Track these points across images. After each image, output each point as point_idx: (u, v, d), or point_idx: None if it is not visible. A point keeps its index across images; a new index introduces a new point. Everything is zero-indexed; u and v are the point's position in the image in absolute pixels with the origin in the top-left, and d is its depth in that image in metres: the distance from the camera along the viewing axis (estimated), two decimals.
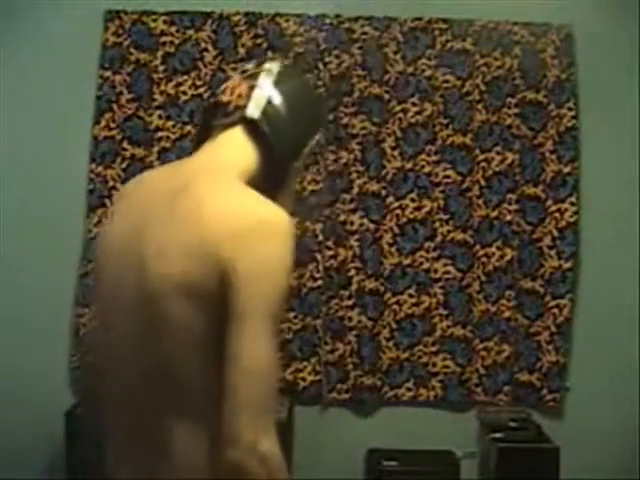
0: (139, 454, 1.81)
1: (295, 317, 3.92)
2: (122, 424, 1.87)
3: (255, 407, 1.66)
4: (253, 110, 1.92)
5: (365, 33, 3.90)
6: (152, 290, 1.74)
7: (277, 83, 1.97)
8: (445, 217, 3.95)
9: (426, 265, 3.95)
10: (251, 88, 1.94)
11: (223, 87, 1.99)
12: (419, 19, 3.89)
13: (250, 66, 2.03)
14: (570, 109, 3.90)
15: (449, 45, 3.90)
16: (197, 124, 2.35)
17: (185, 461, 1.75)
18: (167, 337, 1.73)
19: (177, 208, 1.77)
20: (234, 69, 3.86)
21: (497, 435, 3.74)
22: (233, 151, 1.91)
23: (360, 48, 3.91)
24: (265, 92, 1.94)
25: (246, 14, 3.88)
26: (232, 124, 1.92)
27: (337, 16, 3.91)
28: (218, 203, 1.76)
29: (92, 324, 2.04)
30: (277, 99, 1.95)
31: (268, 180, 1.92)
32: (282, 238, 1.75)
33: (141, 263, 1.77)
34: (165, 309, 1.72)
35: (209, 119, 1.98)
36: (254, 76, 1.97)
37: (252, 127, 1.92)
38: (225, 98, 1.96)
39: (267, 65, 2.01)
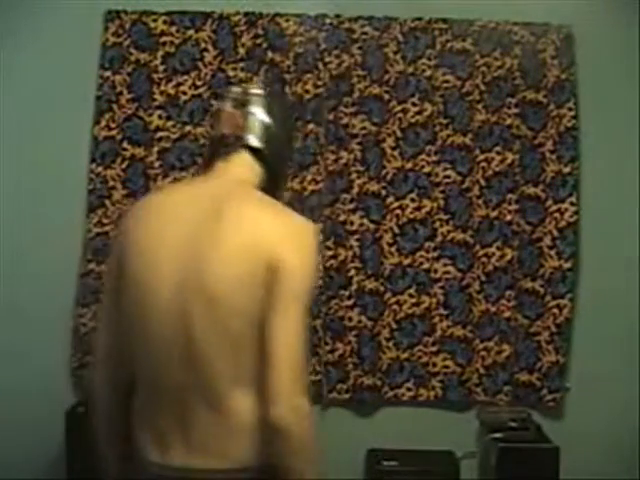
0: (197, 421, 2.17)
1: None
2: (171, 397, 2.20)
3: (294, 372, 2.11)
4: (253, 140, 2.39)
5: (365, 33, 3.90)
6: (215, 285, 2.14)
7: (265, 107, 2.42)
8: (445, 217, 3.95)
9: (426, 265, 3.95)
10: (245, 117, 2.40)
11: (222, 119, 2.41)
12: (419, 19, 3.89)
13: (236, 91, 2.46)
14: (570, 109, 3.90)
15: (449, 45, 3.90)
16: (205, 151, 2.73)
17: (240, 420, 2.17)
18: (227, 319, 2.14)
19: (224, 220, 2.20)
20: (234, 69, 3.88)
21: (497, 435, 3.74)
22: (244, 170, 2.38)
23: (360, 48, 3.91)
24: (258, 119, 2.41)
25: (246, 14, 3.88)
26: (237, 150, 2.38)
27: (337, 16, 3.91)
28: (263, 215, 2.26)
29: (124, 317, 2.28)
30: (268, 123, 2.42)
31: (269, 186, 2.41)
32: (314, 242, 2.26)
33: (200, 265, 2.16)
34: (227, 299, 2.14)
35: (215, 147, 2.41)
36: (245, 103, 2.41)
37: (254, 151, 2.39)
38: (226, 131, 2.39)
39: (253, 91, 2.45)
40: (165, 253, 2.20)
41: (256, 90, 2.47)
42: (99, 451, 2.65)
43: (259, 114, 2.41)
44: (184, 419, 2.20)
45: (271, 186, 2.42)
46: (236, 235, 2.18)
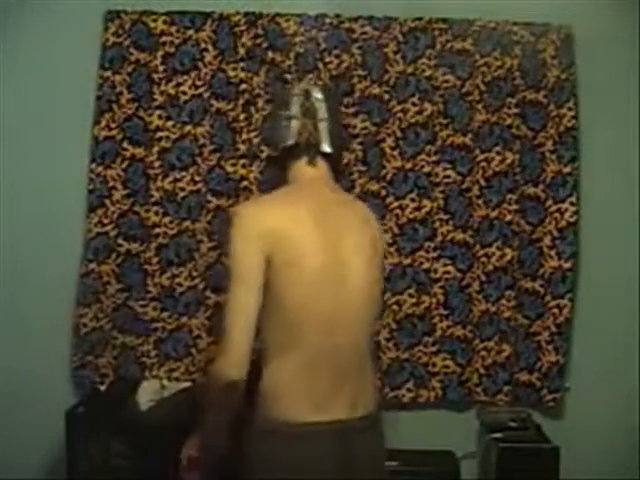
0: (348, 379, 2.66)
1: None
2: (330, 361, 2.63)
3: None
4: (326, 147, 2.80)
5: (365, 33, 3.90)
6: (359, 265, 2.69)
7: (328, 111, 2.81)
8: (445, 217, 3.94)
9: (426, 265, 3.95)
10: (317, 126, 2.78)
11: (295, 129, 2.79)
12: (419, 19, 3.89)
13: (299, 95, 2.82)
14: (570, 109, 3.90)
15: (449, 45, 3.90)
16: (276, 155, 2.95)
17: (371, 376, 2.80)
18: (367, 291, 2.72)
19: (349, 219, 2.76)
20: (234, 69, 3.87)
21: (497, 435, 3.74)
22: (325, 173, 2.83)
23: (360, 48, 3.91)
24: (327, 125, 2.79)
25: (246, 14, 3.88)
26: (315, 157, 2.80)
27: (337, 16, 3.91)
28: (367, 211, 2.91)
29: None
30: (333, 126, 2.82)
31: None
32: None
33: (343, 250, 2.68)
34: (366, 275, 2.71)
35: (292, 153, 2.81)
36: (313, 111, 2.79)
37: (325, 155, 2.82)
38: (302, 140, 2.78)
39: (316, 95, 2.81)
40: (314, 241, 2.64)
41: (318, 95, 2.82)
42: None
43: (326, 120, 2.80)
44: (340, 379, 2.63)
45: (336, 179, 2.89)
46: (361, 233, 2.76)
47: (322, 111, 2.81)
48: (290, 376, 2.64)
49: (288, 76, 3.87)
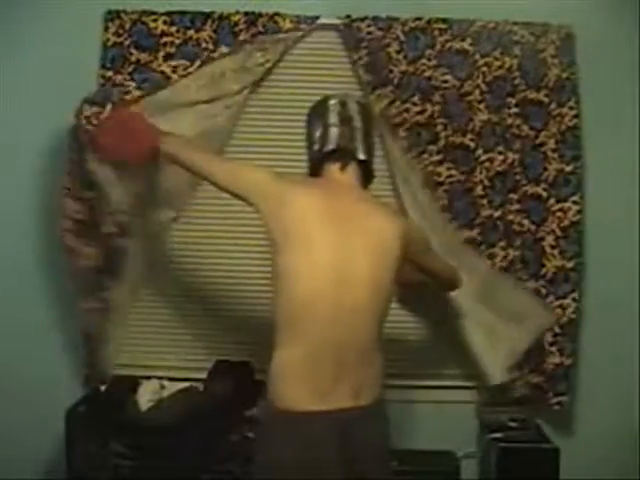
0: (352, 371, 2.79)
1: None
2: (334, 355, 2.77)
3: None
4: (361, 154, 3.02)
5: (370, 33, 3.88)
6: (367, 267, 2.83)
7: (363, 120, 3.05)
8: (448, 217, 3.93)
9: None
10: (352, 133, 3.00)
11: (332, 135, 3.01)
12: (419, 19, 3.88)
13: (337, 104, 3.07)
14: (571, 108, 3.89)
15: (449, 45, 3.88)
16: (312, 157, 3.14)
17: (377, 368, 2.89)
18: (374, 293, 2.84)
19: (365, 219, 2.90)
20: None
21: (497, 435, 3.75)
22: (356, 178, 3.03)
23: (366, 47, 3.89)
24: (362, 134, 3.03)
25: (246, 14, 3.87)
26: (349, 162, 3.01)
27: (347, 16, 3.89)
28: (391, 216, 3.03)
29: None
30: (368, 135, 3.07)
31: (364, 185, 3.12)
32: None
33: (354, 252, 2.83)
34: (374, 276, 2.84)
35: (326, 157, 3.02)
36: (349, 119, 3.02)
37: (359, 161, 3.04)
38: (338, 145, 3.00)
39: (352, 105, 3.07)
40: (326, 236, 2.82)
41: (353, 104, 3.07)
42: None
43: (361, 128, 3.03)
44: (342, 371, 2.76)
45: (365, 184, 3.09)
46: (379, 229, 2.89)
47: (358, 121, 3.04)
48: (295, 364, 2.79)
49: None
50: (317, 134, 3.06)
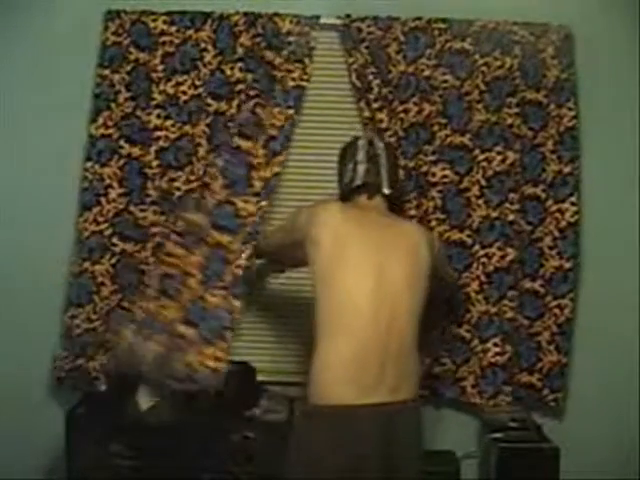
0: (393, 370, 2.94)
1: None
2: (375, 355, 2.92)
3: None
4: (386, 189, 3.27)
5: (371, 33, 3.88)
6: (404, 279, 3.03)
7: (387, 158, 3.31)
8: (442, 216, 3.94)
9: None
10: (378, 170, 3.27)
11: (361, 171, 3.28)
12: (419, 19, 3.89)
13: (365, 145, 3.33)
14: (570, 109, 3.89)
15: (449, 45, 3.89)
16: (343, 189, 3.37)
17: (415, 367, 3.06)
18: (413, 300, 3.05)
19: (394, 235, 3.13)
20: (232, 69, 3.87)
21: (497, 435, 3.74)
22: (381, 203, 3.27)
23: (368, 48, 3.89)
24: (387, 170, 3.28)
25: (245, 14, 3.88)
26: (375, 195, 3.26)
27: (347, 16, 3.89)
28: (418, 233, 3.23)
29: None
30: (391, 171, 3.31)
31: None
32: None
33: (391, 266, 3.03)
34: (412, 286, 3.05)
35: (356, 190, 3.27)
36: (376, 157, 3.29)
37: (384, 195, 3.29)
38: (366, 180, 3.26)
39: (378, 144, 3.33)
40: (362, 240, 3.04)
41: (380, 144, 3.34)
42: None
43: (386, 165, 3.29)
44: (384, 368, 2.91)
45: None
46: (406, 240, 3.12)
47: (383, 158, 3.30)
48: (342, 361, 2.93)
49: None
50: (347, 170, 3.33)
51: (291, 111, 3.86)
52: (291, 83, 3.86)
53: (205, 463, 3.58)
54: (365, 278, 3.00)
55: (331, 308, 2.99)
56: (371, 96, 3.89)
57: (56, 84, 3.95)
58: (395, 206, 3.35)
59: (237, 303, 3.59)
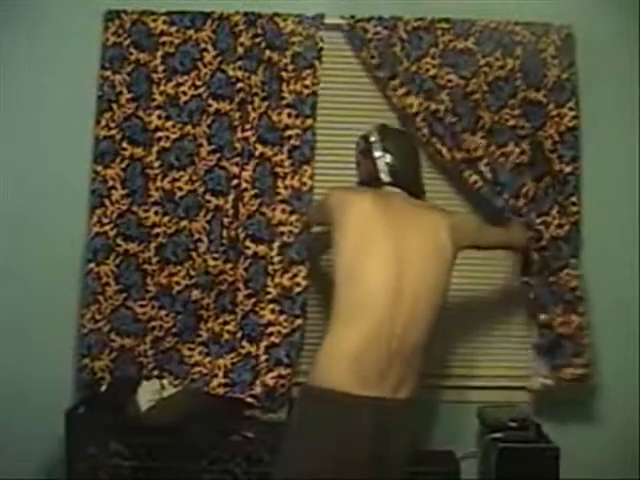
0: (396, 368, 2.96)
1: (287, 319, 3.91)
2: (385, 351, 2.94)
3: None
4: (385, 177, 3.34)
5: (377, 33, 3.88)
6: (421, 273, 3.06)
7: (382, 149, 3.36)
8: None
9: None
10: (374, 163, 3.35)
11: (361, 168, 3.44)
12: (422, 19, 3.88)
13: (360, 142, 3.44)
14: (571, 109, 3.88)
15: (451, 45, 3.88)
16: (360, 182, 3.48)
17: (417, 367, 3.05)
18: (439, 278, 3.12)
19: (415, 222, 3.17)
20: (233, 69, 3.87)
21: (497, 435, 3.74)
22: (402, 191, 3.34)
23: (375, 47, 3.89)
24: (382, 161, 3.35)
25: (245, 14, 3.87)
26: (380, 186, 3.33)
27: (352, 17, 3.89)
28: (440, 218, 3.24)
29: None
30: (389, 159, 3.36)
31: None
32: None
33: (411, 261, 3.05)
34: (428, 279, 3.08)
35: (366, 184, 3.39)
36: (369, 151, 3.37)
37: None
38: (366, 176, 3.39)
39: (371, 139, 3.39)
40: (386, 247, 3.05)
41: (373, 137, 3.38)
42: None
43: (381, 156, 3.34)
44: (390, 364, 2.92)
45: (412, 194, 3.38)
46: (429, 229, 3.16)
47: (399, 149, 3.38)
48: (349, 348, 2.94)
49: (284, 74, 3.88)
50: (364, 166, 3.42)
51: (310, 121, 3.87)
52: (305, 91, 3.86)
53: (205, 463, 3.58)
54: (386, 272, 3.01)
55: (349, 298, 3.02)
56: (396, 82, 3.89)
57: (58, 84, 3.95)
58: (414, 192, 3.39)
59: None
